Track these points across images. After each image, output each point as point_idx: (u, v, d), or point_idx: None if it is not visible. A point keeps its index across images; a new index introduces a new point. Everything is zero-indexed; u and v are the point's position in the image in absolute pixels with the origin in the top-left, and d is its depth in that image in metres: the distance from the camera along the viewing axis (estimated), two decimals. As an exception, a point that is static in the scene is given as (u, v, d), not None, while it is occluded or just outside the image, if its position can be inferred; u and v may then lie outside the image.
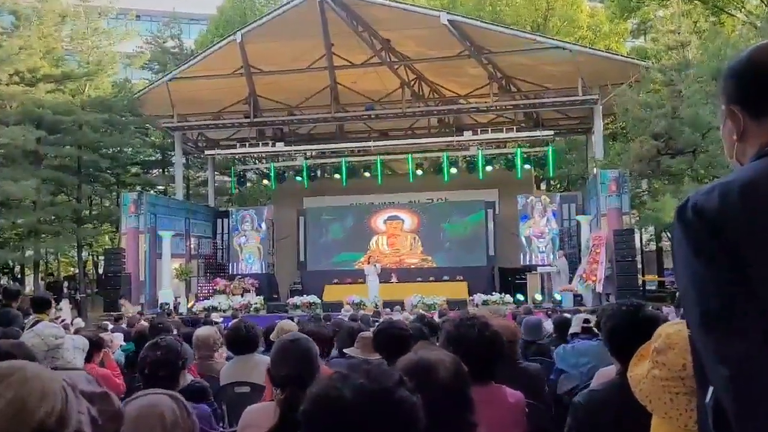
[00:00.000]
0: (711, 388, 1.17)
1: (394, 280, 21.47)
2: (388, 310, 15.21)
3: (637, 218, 21.71)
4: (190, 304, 20.63)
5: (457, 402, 1.73)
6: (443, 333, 2.68)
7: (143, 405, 1.87)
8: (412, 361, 1.82)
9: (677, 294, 16.19)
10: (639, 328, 2.31)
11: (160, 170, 32.42)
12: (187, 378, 3.49)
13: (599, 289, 18.03)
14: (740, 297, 1.10)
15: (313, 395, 1.25)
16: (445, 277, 21.83)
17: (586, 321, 5.18)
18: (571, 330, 5.50)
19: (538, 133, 22.52)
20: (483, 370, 2.50)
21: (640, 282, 22.31)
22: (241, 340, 4.64)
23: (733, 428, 1.09)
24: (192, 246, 23.74)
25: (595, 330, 5.41)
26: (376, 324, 4.34)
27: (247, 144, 23.57)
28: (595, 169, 21.14)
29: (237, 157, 26.64)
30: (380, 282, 20.13)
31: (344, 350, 4.63)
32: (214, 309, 18.84)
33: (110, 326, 10.27)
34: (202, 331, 5.25)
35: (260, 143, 23.72)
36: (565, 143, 29.48)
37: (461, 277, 21.60)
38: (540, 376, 3.50)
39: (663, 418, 1.74)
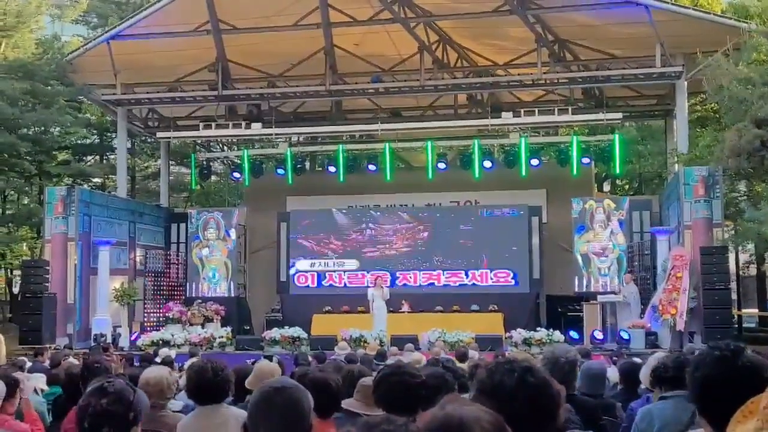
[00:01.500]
0: None
1: (405, 308, 21.47)
2: (395, 348, 15.23)
3: (733, 232, 21.64)
4: (134, 337, 20.67)
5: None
6: (475, 382, 2.68)
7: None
8: (437, 418, 1.82)
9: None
10: (738, 381, 2.32)
11: (97, 157, 32.61)
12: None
13: (680, 326, 17.98)
14: None
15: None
16: (474, 307, 21.81)
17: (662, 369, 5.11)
18: (644, 383, 5.50)
19: (601, 116, 22.48)
20: (527, 430, 2.50)
21: (734, 317, 22.25)
22: (206, 386, 4.66)
23: None
24: (138, 259, 23.80)
25: (646, 382, 5.38)
26: (379, 369, 4.35)
27: (213, 125, 23.61)
28: (676, 165, 21.09)
29: (199, 141, 26.73)
30: (388, 311, 20.15)
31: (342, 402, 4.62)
32: (165, 343, 18.87)
33: (28, 364, 10.36)
34: (152, 373, 5.26)
35: (230, 124, 23.76)
36: (637, 130, 29.46)
37: (495, 307, 21.58)
38: None
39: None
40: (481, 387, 2.62)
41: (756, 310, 30.64)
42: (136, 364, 10.86)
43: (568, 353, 5.04)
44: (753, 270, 31.51)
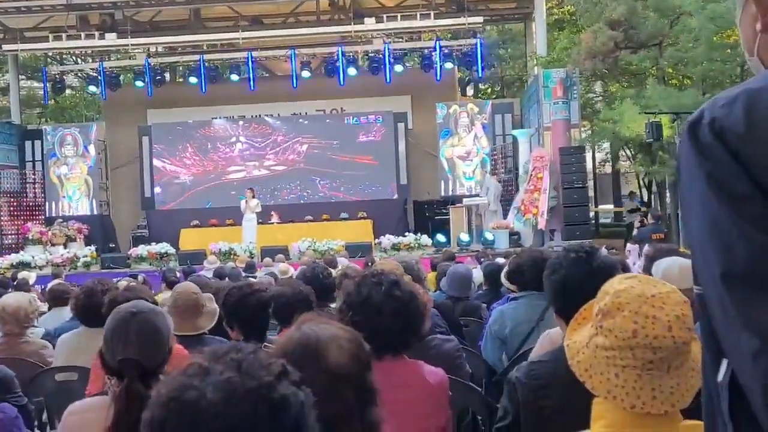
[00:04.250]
0: (725, 363, 1.20)
1: (274, 219, 21.38)
2: (269, 259, 15.23)
3: (590, 132, 22.38)
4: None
5: (355, 394, 1.73)
6: (341, 295, 2.68)
7: None
8: (293, 339, 1.79)
9: (638, 228, 17.02)
10: (593, 281, 2.37)
11: (-62, 73, 30.67)
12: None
13: (542, 224, 18.60)
14: None
15: (162, 398, 1.20)
16: (344, 215, 21.94)
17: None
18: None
19: (462, 20, 22.57)
20: (394, 342, 2.53)
21: (592, 214, 23.19)
22: (96, 309, 4.54)
23: (757, 412, 1.12)
24: (-10, 180, 22.81)
25: (506, 283, 5.55)
26: (228, 289, 4.30)
27: (63, 36, 22.49)
28: (536, 68, 21.50)
29: (51, 54, 25.49)
30: (258, 223, 20.03)
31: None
32: (26, 265, 18.30)
33: None
34: (9, 300, 5.18)
35: (83, 34, 22.70)
36: (497, 34, 29.79)
37: (364, 214, 21.77)
38: (457, 356, 3.57)
39: (605, 397, 1.81)
40: (348, 300, 2.63)
41: (611, 206, 32.05)
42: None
43: (407, 262, 5.18)
44: (608, 168, 32.84)
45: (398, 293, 2.59)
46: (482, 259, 13.21)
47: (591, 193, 26.23)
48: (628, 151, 27.04)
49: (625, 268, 2.61)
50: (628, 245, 15.93)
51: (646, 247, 9.60)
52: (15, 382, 3.66)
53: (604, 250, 2.71)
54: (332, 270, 9.98)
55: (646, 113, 16.40)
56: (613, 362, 1.80)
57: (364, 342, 1.83)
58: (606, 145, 26.19)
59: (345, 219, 21.71)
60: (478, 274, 7.97)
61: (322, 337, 1.78)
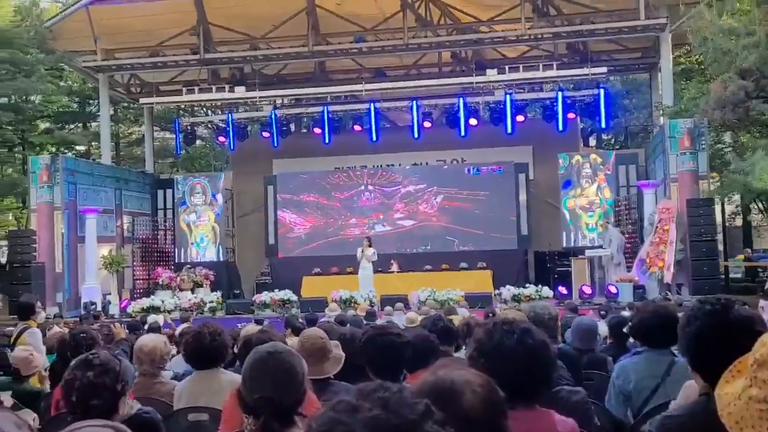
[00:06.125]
0: None
1: (394, 268, 21.50)
2: (390, 308, 15.28)
3: (719, 183, 21.72)
4: (124, 304, 20.67)
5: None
6: (472, 342, 2.70)
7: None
8: (428, 382, 1.83)
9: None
10: (730, 335, 2.33)
11: (80, 125, 32.36)
12: (133, 406, 3.53)
13: (668, 278, 18.11)
14: None
15: (313, 433, 1.26)
16: (463, 264, 21.89)
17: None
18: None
19: (585, 70, 22.43)
20: (525, 391, 2.53)
21: (721, 268, 22.37)
22: (203, 351, 4.69)
23: None
24: (125, 226, 23.76)
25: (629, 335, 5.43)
26: (365, 330, 4.34)
27: (196, 89, 23.45)
28: (662, 118, 21.10)
29: (183, 106, 26.56)
30: (376, 271, 20.16)
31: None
32: (155, 309, 18.91)
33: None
34: (146, 341, 5.30)
35: (214, 88, 23.60)
36: (621, 84, 29.41)
37: (484, 264, 21.65)
38: (586, 409, 3.52)
39: (755, 452, 1.76)
40: (479, 347, 2.64)
41: (743, 259, 30.84)
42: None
43: (549, 309, 5.11)
44: (739, 221, 31.70)
45: (530, 341, 2.58)
46: (605, 312, 12.95)
47: (720, 247, 25.35)
48: (760, 204, 26.08)
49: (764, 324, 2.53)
50: (761, 301, 15.28)
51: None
52: (160, 427, 3.78)
53: (739, 303, 2.64)
54: (453, 319, 9.98)
55: (779, 164, 15.83)
56: (766, 416, 1.75)
57: (498, 388, 1.85)
58: (736, 197, 25.36)
59: (464, 269, 21.65)
60: (602, 327, 7.82)
61: (456, 381, 1.81)
